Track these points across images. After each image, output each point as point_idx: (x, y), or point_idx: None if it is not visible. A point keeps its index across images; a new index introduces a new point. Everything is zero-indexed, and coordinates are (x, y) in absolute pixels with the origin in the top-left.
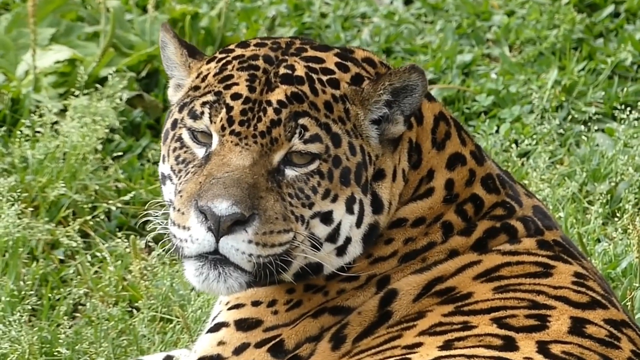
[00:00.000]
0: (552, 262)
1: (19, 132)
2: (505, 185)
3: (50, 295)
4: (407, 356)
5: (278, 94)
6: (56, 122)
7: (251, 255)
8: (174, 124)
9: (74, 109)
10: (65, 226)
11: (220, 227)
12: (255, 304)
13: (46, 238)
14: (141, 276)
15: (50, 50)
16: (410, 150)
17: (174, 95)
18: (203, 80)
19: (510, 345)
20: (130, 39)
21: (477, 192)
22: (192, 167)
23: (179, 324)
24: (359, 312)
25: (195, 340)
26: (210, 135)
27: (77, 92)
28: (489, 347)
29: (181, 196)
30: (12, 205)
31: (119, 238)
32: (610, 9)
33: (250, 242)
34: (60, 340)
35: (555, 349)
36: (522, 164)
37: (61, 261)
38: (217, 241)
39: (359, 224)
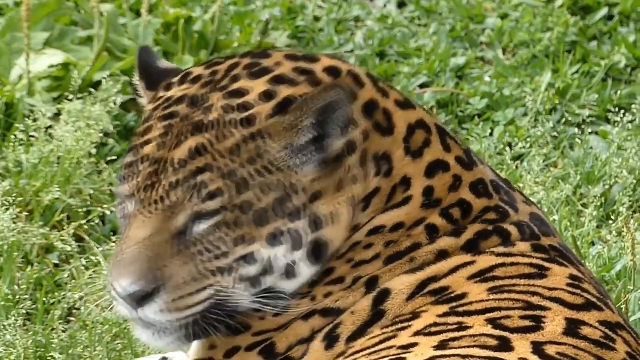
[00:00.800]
0: (547, 264)
1: (12, 137)
2: (499, 191)
3: (44, 299)
4: (401, 355)
5: (182, 150)
6: (50, 126)
7: (169, 321)
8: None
9: (68, 113)
10: (59, 230)
11: (130, 304)
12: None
13: (40, 242)
14: None
15: (44, 54)
16: (376, 161)
17: None
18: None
19: (505, 345)
20: (123, 43)
21: (464, 197)
22: (125, 228)
23: None
24: (352, 311)
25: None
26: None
27: (70, 96)
28: (483, 347)
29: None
30: (7, 209)
31: (113, 242)
32: (603, 11)
33: (162, 311)
34: (54, 345)
35: (550, 350)
36: (516, 167)
37: (55, 265)
38: (136, 311)
39: (295, 247)
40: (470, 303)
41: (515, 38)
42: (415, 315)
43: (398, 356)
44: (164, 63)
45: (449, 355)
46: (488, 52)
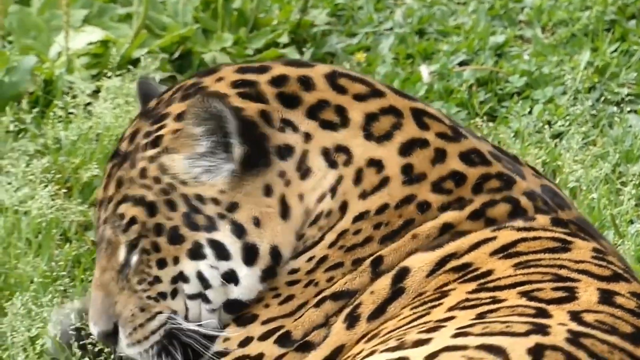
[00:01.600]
0: (569, 238)
1: (52, 114)
2: (500, 159)
3: (82, 276)
4: (442, 324)
5: (110, 186)
6: (89, 104)
7: (140, 354)
8: None
9: (107, 90)
10: None
11: (107, 344)
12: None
13: (79, 219)
14: None
15: (83, 31)
16: (326, 156)
17: None
18: None
19: (543, 314)
20: (163, 21)
21: (455, 168)
22: None
23: None
24: (372, 291)
25: None
26: None
27: (109, 74)
28: (522, 315)
29: None
30: (46, 186)
31: None
32: None
33: (128, 345)
34: None
35: (588, 318)
36: (555, 145)
37: (94, 242)
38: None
39: (224, 257)
40: (499, 279)
41: (555, 17)
42: (444, 294)
43: (438, 324)
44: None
45: (489, 322)
46: (527, 30)
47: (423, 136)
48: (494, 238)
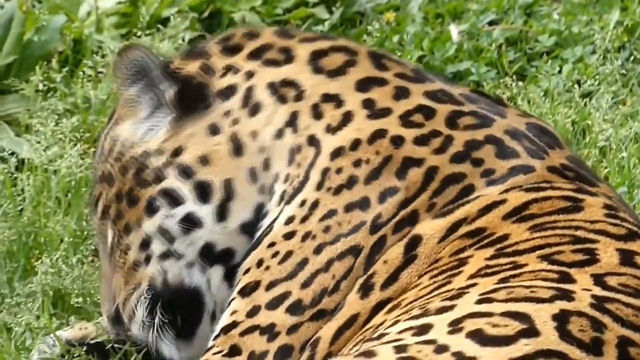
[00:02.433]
0: (579, 196)
1: (81, 73)
2: (475, 101)
3: None
4: (465, 290)
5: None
6: None
7: (140, 331)
8: None
9: None
10: None
11: (118, 331)
12: (246, 272)
13: None
14: None
15: None
16: (273, 90)
17: None
18: None
19: (566, 278)
20: None
21: (420, 102)
22: None
23: None
24: (385, 260)
25: None
26: None
27: (139, 33)
28: (546, 279)
29: None
30: (75, 145)
31: None
32: None
33: (127, 325)
34: None
35: (612, 281)
36: (585, 105)
37: None
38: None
39: (176, 202)
40: (516, 243)
41: None
42: (462, 261)
43: (462, 291)
44: None
45: (513, 287)
46: None
47: (380, 76)
48: (504, 201)
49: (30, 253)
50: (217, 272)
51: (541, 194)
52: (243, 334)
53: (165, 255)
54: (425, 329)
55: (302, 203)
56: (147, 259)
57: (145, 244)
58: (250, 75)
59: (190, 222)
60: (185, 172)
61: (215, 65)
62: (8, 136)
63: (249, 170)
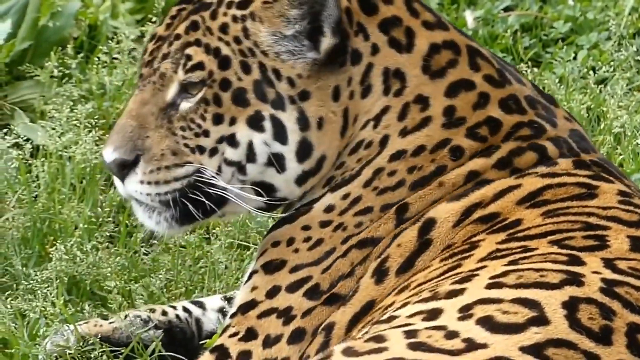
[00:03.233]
0: (594, 182)
1: (96, 59)
2: (535, 106)
3: (127, 222)
4: (475, 273)
5: (181, 27)
6: (133, 49)
7: (149, 195)
8: None
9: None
10: None
11: (116, 173)
12: (275, 244)
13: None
14: None
15: None
16: (385, 77)
17: None
18: None
19: (576, 261)
20: None
21: (492, 114)
22: None
23: (256, 251)
24: (398, 244)
25: None
26: None
27: (154, 19)
28: (555, 262)
29: None
30: (90, 131)
31: None
32: None
33: (142, 182)
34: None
35: (622, 265)
36: (600, 91)
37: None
38: (123, 184)
39: (280, 139)
40: (528, 228)
41: None
42: (473, 245)
43: (471, 274)
44: None
45: (522, 269)
46: None
47: (472, 78)
48: (519, 186)
49: (45, 239)
50: (255, 199)
51: (556, 180)
52: (260, 316)
53: (232, 163)
54: (435, 313)
55: (346, 196)
56: (213, 152)
57: (223, 140)
58: (375, 49)
59: (276, 163)
60: (303, 122)
61: (353, 17)
62: (23, 122)
63: (337, 152)
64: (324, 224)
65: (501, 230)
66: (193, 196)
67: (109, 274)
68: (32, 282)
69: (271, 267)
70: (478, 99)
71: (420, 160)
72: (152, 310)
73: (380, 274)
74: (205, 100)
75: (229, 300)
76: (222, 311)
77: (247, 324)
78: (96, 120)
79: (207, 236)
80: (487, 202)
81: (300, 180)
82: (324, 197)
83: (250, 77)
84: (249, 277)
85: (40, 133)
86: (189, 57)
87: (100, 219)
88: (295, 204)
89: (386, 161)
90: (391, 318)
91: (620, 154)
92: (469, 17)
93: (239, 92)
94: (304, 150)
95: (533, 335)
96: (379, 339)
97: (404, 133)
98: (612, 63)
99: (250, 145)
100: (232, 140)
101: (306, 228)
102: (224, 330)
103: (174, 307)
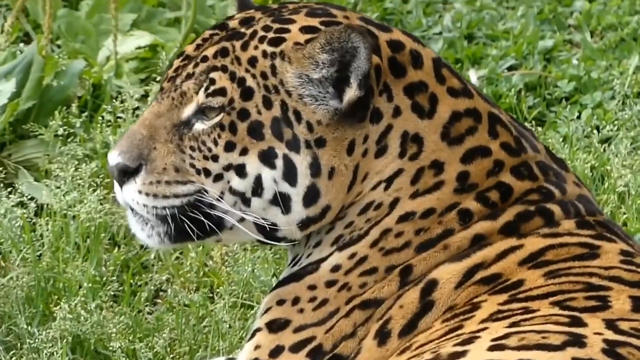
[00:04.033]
0: (596, 242)
1: (100, 118)
2: (547, 172)
3: (131, 281)
4: (476, 335)
5: (210, 50)
6: (137, 108)
7: (145, 206)
8: None
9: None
10: None
11: (116, 178)
12: (280, 303)
13: (127, 224)
14: (222, 262)
15: (132, 36)
16: (403, 141)
17: None
18: None
19: (578, 322)
20: (211, 24)
21: (503, 180)
22: None
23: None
24: (400, 305)
25: None
26: None
27: (158, 78)
28: (557, 324)
29: None
30: (94, 190)
31: None
32: None
33: (140, 192)
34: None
35: (624, 326)
36: (604, 150)
37: (142, 247)
38: (121, 191)
39: (290, 180)
40: (530, 289)
41: (604, 21)
42: (475, 306)
43: (473, 335)
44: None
45: (524, 332)
46: (576, 35)
47: (489, 145)
48: (521, 246)
49: (49, 298)
50: (252, 236)
51: (558, 240)
52: None
53: (236, 193)
54: None
55: (352, 255)
56: (218, 177)
57: (232, 168)
58: (397, 112)
59: (282, 202)
60: (315, 169)
61: (381, 76)
62: (27, 181)
63: (342, 205)
64: (329, 284)
65: (503, 291)
66: (192, 215)
67: (113, 333)
68: (36, 341)
69: (275, 326)
70: (493, 166)
71: (428, 223)
72: None
73: (382, 336)
74: (221, 125)
75: None
76: None
77: None
78: (100, 179)
79: (211, 295)
80: (489, 262)
81: (303, 224)
82: (331, 257)
83: (270, 113)
84: (252, 335)
85: (45, 192)
86: (212, 81)
87: (105, 278)
88: (303, 261)
89: (394, 222)
90: None
91: (624, 213)
92: (473, 76)
93: (256, 125)
94: (311, 195)
95: None
96: None
97: (414, 195)
98: (616, 122)
99: (258, 179)
100: (240, 170)
101: (312, 288)
102: None
103: None
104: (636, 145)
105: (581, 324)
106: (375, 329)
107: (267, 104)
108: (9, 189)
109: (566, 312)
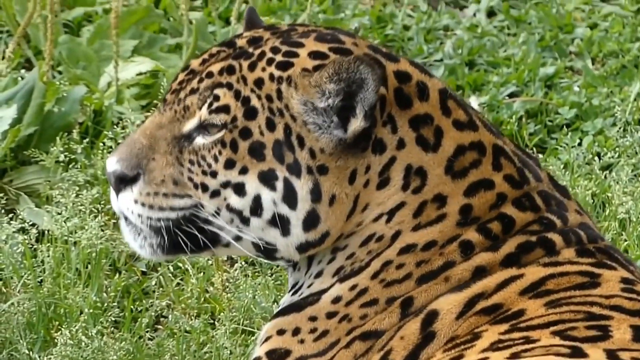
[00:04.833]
0: (596, 270)
1: (101, 144)
2: (549, 202)
3: (132, 307)
4: None
5: (215, 66)
6: None
7: (140, 216)
8: None
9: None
10: None
11: (113, 185)
12: (280, 332)
13: (128, 250)
14: (223, 288)
15: (133, 62)
16: (406, 173)
17: None
18: None
19: (579, 352)
20: None
21: (505, 212)
22: None
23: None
24: (401, 336)
25: None
26: None
27: (159, 105)
28: (558, 354)
29: None
30: (95, 217)
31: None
32: None
33: (135, 201)
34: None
35: (624, 356)
36: (605, 177)
37: (143, 273)
38: (117, 199)
39: (290, 203)
40: (531, 319)
41: (605, 48)
42: (476, 335)
43: None
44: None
45: None
46: (577, 62)
47: (492, 178)
48: (521, 276)
49: (50, 324)
50: (248, 254)
51: (559, 269)
52: None
53: (234, 211)
54: None
55: (353, 287)
56: (215, 193)
57: (229, 186)
58: (401, 144)
59: (280, 224)
60: (316, 195)
61: (386, 107)
62: (28, 207)
63: (340, 233)
64: (330, 315)
65: (504, 320)
66: (187, 229)
67: (114, 359)
68: None
69: (275, 356)
70: (496, 199)
71: (429, 255)
72: None
73: None
74: (222, 142)
75: None
76: None
77: None
78: (102, 206)
79: (212, 321)
80: (490, 292)
81: (302, 248)
82: (332, 288)
83: (272, 135)
84: None
85: (46, 218)
86: (216, 98)
87: (106, 304)
88: (304, 291)
89: (395, 254)
90: None
91: (626, 240)
92: (474, 102)
93: (258, 145)
94: (311, 220)
95: None
96: None
97: (416, 228)
98: (617, 149)
99: (257, 199)
100: (238, 189)
101: (313, 319)
102: None
103: None
104: (637, 172)
105: (582, 354)
106: None
107: (271, 125)
108: (10, 215)
109: (567, 342)
